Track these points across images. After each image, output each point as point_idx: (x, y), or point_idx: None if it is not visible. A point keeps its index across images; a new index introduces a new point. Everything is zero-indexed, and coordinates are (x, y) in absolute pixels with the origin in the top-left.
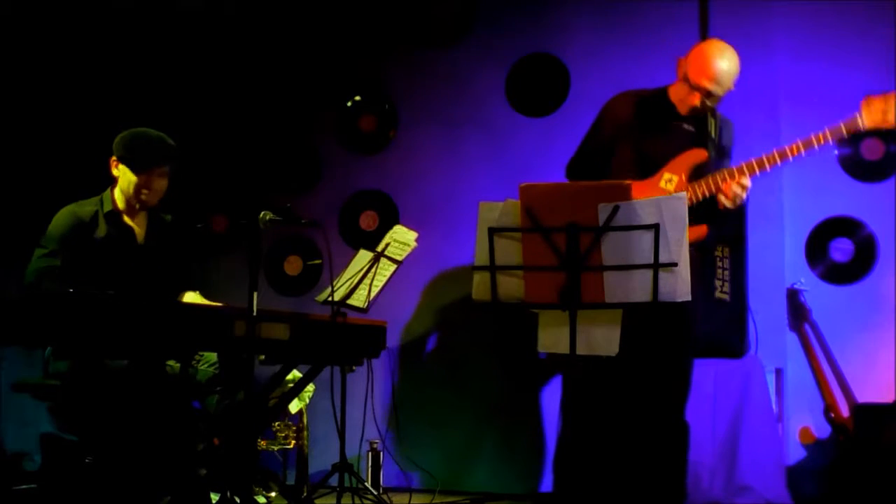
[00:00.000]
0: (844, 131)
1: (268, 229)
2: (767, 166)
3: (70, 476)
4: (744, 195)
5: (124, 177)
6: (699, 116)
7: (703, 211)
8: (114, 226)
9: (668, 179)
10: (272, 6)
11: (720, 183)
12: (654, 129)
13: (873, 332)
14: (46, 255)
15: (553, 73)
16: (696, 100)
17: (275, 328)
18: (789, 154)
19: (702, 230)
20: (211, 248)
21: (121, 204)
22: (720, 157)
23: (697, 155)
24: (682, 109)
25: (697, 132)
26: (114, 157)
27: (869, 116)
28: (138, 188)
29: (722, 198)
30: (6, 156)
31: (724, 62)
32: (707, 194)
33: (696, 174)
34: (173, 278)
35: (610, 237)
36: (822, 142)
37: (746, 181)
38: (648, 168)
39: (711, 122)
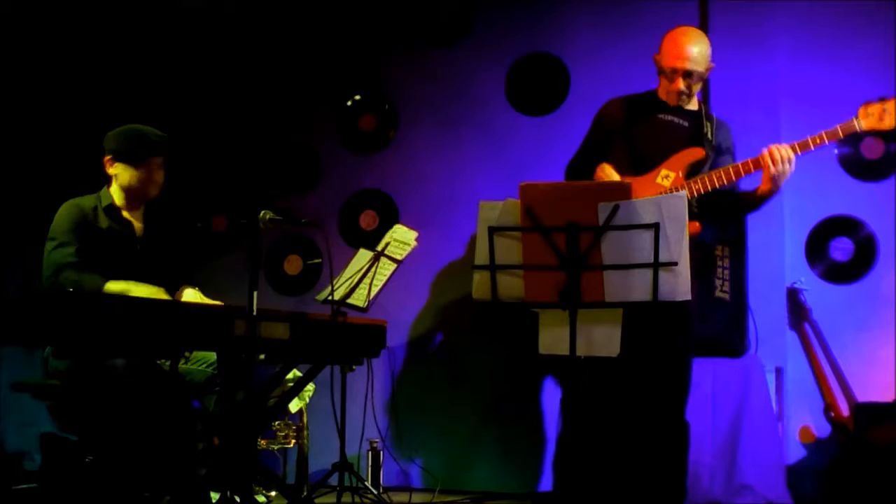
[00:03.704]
0: (841, 133)
1: (268, 229)
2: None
3: (70, 476)
4: (789, 166)
5: (124, 173)
6: (694, 114)
7: (698, 207)
8: (114, 219)
9: (665, 175)
10: (272, 6)
11: (755, 160)
12: (645, 124)
13: (873, 331)
14: (59, 246)
15: (553, 72)
16: (678, 84)
17: (275, 327)
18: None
19: (694, 227)
20: (211, 247)
21: (119, 201)
22: (717, 157)
23: (695, 153)
24: (672, 101)
25: (693, 130)
26: (108, 157)
27: (866, 120)
28: (142, 181)
29: (768, 156)
30: (5, 158)
31: (690, 39)
32: (703, 191)
33: (693, 172)
34: (172, 272)
35: (610, 236)
36: (818, 143)
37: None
38: (644, 164)
39: (707, 125)
